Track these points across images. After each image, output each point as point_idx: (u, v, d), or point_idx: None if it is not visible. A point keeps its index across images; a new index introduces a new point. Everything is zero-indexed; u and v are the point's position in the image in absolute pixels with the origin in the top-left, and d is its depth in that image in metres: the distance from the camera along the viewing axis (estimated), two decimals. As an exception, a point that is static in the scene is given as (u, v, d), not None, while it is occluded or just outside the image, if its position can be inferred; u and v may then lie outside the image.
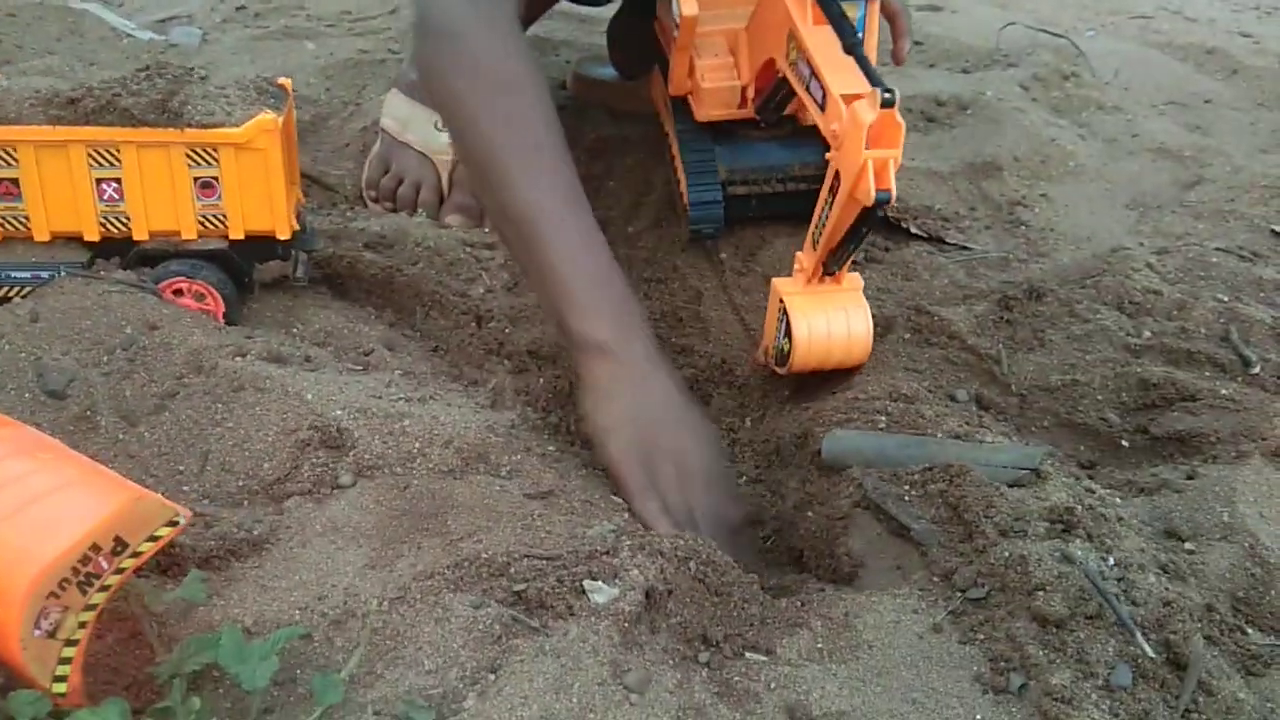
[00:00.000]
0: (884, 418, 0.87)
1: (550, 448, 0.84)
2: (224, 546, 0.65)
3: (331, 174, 1.28)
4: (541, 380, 0.99)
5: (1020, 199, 1.27)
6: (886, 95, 0.76)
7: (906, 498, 0.77)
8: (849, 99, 0.79)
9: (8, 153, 0.79)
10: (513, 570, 0.62)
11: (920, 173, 1.29)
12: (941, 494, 0.75)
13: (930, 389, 0.93)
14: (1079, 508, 0.71)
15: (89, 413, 0.77)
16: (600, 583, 0.60)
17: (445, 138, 1.22)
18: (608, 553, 0.63)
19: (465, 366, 0.98)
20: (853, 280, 0.92)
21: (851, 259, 0.88)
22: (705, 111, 1.08)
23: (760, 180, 1.12)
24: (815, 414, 0.92)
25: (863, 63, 0.81)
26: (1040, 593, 0.64)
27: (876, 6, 0.97)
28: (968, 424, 0.85)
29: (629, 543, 0.65)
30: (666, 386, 0.85)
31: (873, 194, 0.77)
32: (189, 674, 0.54)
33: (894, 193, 0.78)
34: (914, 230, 1.17)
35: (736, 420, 1.07)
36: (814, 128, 1.02)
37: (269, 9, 1.73)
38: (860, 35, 0.90)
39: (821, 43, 0.86)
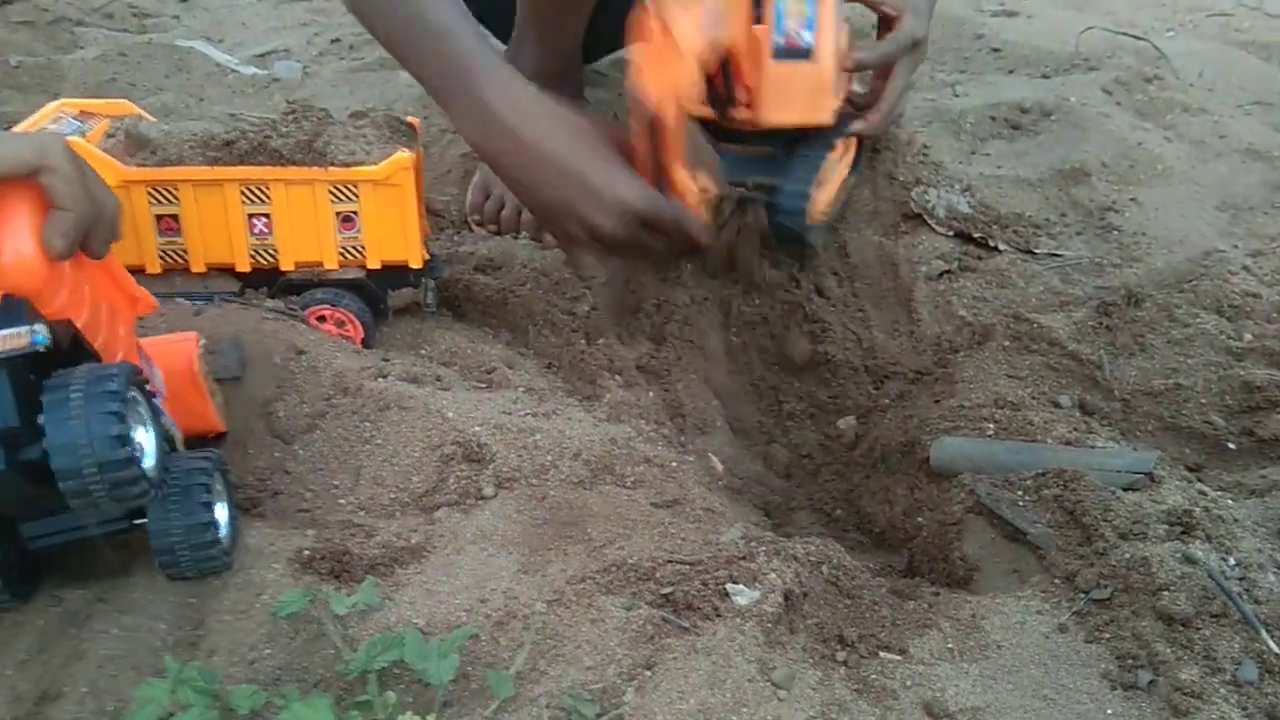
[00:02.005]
0: (991, 425, 0.90)
1: (668, 459, 0.88)
2: (387, 555, 0.71)
3: (436, 200, 1.34)
4: (651, 394, 1.03)
5: (1110, 204, 1.28)
6: None
7: (1020, 503, 0.80)
8: None
9: (169, 192, 0.86)
10: (658, 574, 0.66)
11: (1008, 180, 1.31)
12: (1056, 499, 0.78)
13: (1033, 395, 0.95)
14: (1196, 510, 0.73)
15: (245, 432, 0.84)
16: (742, 586, 0.64)
17: None
18: (744, 558, 0.67)
19: (579, 382, 1.03)
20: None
21: None
22: None
23: None
24: (921, 422, 0.95)
25: None
26: (1165, 593, 0.66)
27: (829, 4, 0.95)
28: (1076, 430, 0.88)
29: (763, 548, 0.69)
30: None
31: None
32: (376, 671, 0.59)
33: None
34: (1001, 247, 1.19)
35: (833, 417, 1.10)
36: (779, 144, 1.03)
37: (363, 41, 1.81)
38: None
39: None
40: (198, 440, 0.77)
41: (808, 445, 1.10)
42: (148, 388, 0.63)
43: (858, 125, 1.10)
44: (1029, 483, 0.81)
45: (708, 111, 1.03)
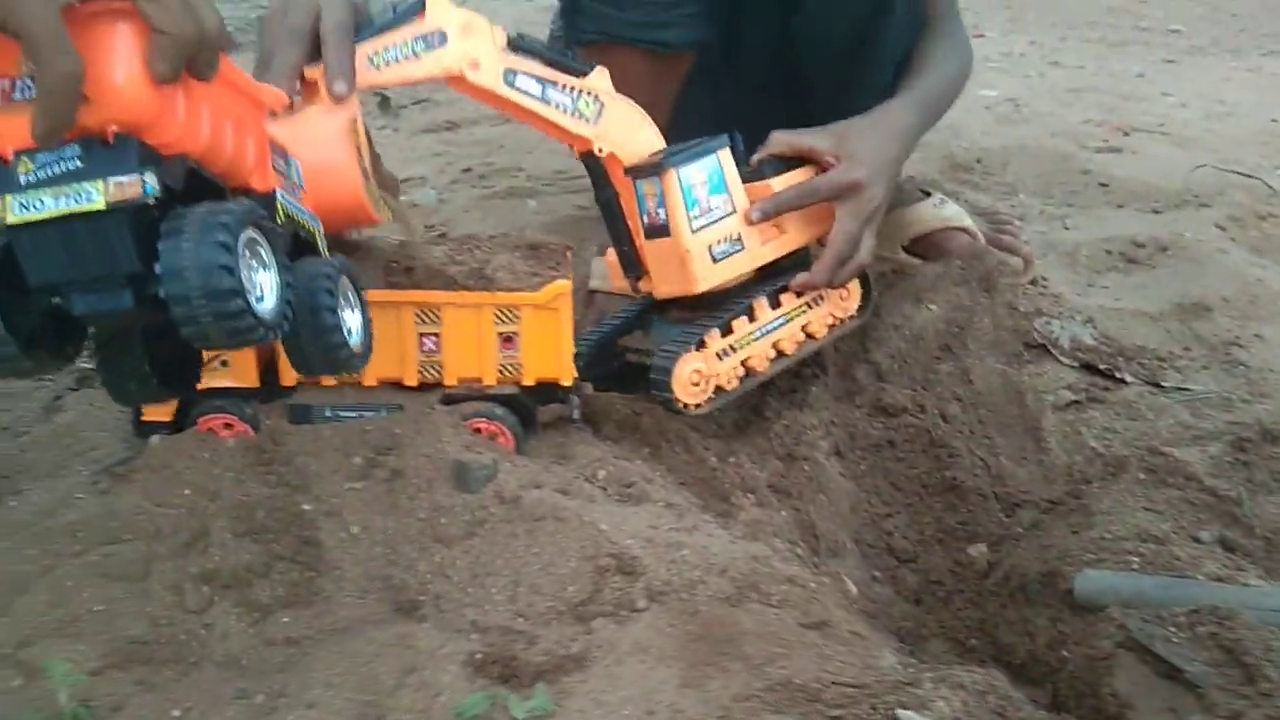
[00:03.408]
0: (1136, 559, 0.89)
1: (807, 580, 0.90)
2: (550, 662, 0.73)
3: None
4: (784, 514, 1.05)
5: (1234, 339, 1.29)
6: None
7: (1174, 639, 0.79)
8: None
9: (350, 312, 0.93)
10: (825, 696, 0.67)
11: (1128, 313, 1.33)
12: (1213, 636, 0.77)
13: (1174, 530, 0.95)
14: (1364, 655, 0.72)
15: (407, 535, 0.88)
16: (911, 712, 0.65)
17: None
18: (911, 684, 0.68)
19: (711, 499, 1.06)
20: None
21: None
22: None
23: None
24: (1061, 553, 0.95)
25: None
26: (1342, 740, 0.65)
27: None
28: (1224, 567, 0.87)
29: (928, 674, 0.70)
30: None
31: None
32: (557, 777, 0.61)
33: None
34: (1128, 379, 1.20)
35: (963, 543, 1.10)
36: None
37: (492, 170, 1.93)
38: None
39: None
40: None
41: (937, 571, 1.10)
42: (285, 183, 0.68)
43: (799, 279, 1.08)
44: (1182, 619, 0.80)
45: (624, 284, 1.10)
